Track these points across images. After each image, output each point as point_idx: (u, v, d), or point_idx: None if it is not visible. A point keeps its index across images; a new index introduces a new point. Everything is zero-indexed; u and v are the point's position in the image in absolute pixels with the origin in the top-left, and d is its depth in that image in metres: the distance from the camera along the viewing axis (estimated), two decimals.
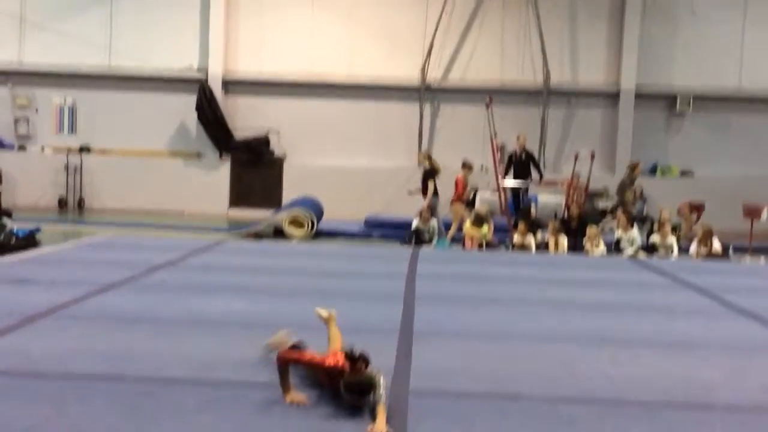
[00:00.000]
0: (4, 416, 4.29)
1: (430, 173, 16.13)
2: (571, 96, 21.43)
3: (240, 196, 21.54)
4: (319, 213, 17.49)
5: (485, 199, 18.15)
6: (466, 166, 16.68)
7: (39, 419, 4.27)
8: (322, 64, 21.38)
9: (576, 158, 18.33)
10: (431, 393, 5.01)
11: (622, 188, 17.30)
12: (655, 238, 14.48)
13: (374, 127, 21.46)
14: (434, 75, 21.47)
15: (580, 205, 16.02)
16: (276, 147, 21.67)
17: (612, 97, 21.43)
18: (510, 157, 18.64)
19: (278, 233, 16.30)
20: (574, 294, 9.14)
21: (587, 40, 21.48)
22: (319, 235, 16.59)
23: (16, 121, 21.67)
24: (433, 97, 21.58)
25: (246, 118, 21.51)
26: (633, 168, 17.67)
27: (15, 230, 12.35)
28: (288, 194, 20.53)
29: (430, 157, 16.52)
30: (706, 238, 14.10)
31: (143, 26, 21.42)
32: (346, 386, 4.58)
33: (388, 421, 4.38)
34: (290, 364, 4.82)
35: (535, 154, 19.29)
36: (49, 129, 21.82)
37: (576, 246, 14.37)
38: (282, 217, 16.78)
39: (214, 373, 5.24)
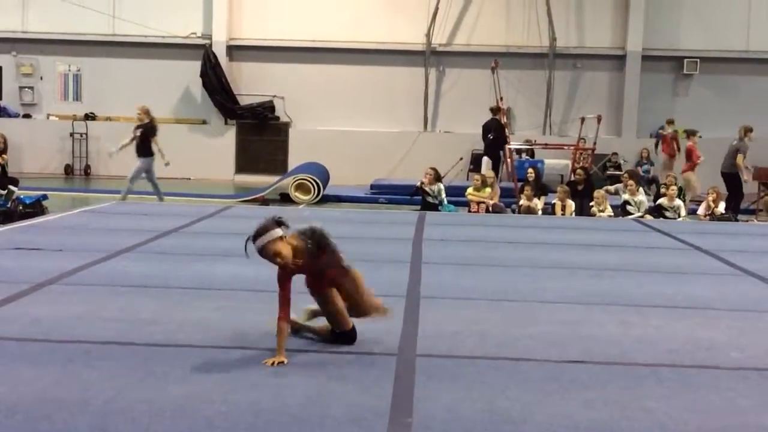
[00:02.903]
0: (15, 380, 4.32)
1: (152, 130, 15.34)
2: (577, 59, 21.28)
3: (246, 162, 21.55)
4: (325, 178, 17.48)
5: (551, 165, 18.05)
6: (696, 134, 16.28)
7: (49, 383, 4.30)
8: (326, 28, 21.25)
9: (582, 121, 18.26)
10: (438, 356, 5.03)
11: (735, 153, 15.72)
12: (662, 200, 14.45)
13: (379, 91, 21.38)
14: (439, 39, 21.33)
15: (586, 168, 15.98)
16: (281, 113, 21.61)
17: (618, 60, 21.30)
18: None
19: (285, 198, 16.30)
20: (581, 256, 9.14)
21: (593, 1, 21.29)
22: (325, 200, 16.59)
23: (21, 89, 21.63)
24: (438, 61, 21.47)
25: (251, 83, 21.45)
26: (746, 132, 16.02)
27: (22, 197, 12.37)
28: (294, 160, 20.54)
29: (148, 112, 15.56)
30: (717, 200, 14.10)
31: None
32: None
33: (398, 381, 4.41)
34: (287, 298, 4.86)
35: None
36: (54, 96, 21.80)
37: (583, 209, 14.35)
38: (288, 183, 16.78)
39: (223, 338, 5.26)
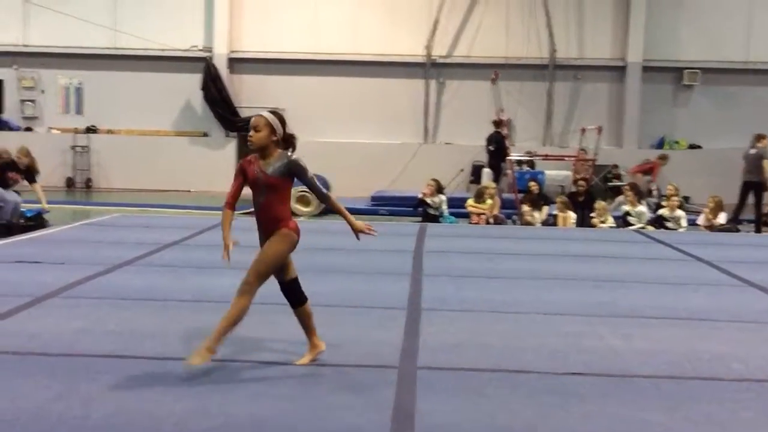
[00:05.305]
0: (15, 394, 4.32)
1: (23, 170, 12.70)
2: (577, 70, 21.31)
3: None
4: (326, 190, 17.48)
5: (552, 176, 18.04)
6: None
7: (49, 397, 4.30)
8: (327, 40, 21.28)
9: (583, 132, 18.26)
10: (439, 368, 5.02)
11: (759, 160, 15.02)
12: (663, 211, 14.45)
13: (380, 103, 21.38)
14: (439, 50, 21.36)
15: (587, 180, 15.96)
16: None
17: (619, 71, 21.31)
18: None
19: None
20: (581, 267, 9.14)
21: (593, 13, 21.33)
22: (326, 212, 16.59)
23: (23, 103, 21.67)
24: (438, 73, 21.49)
25: (252, 96, 21.45)
26: (760, 138, 15.32)
27: (23, 210, 12.38)
28: None
29: (28, 154, 12.91)
30: (716, 210, 14.08)
31: (148, 5, 21.34)
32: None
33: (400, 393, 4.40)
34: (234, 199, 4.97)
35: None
36: (55, 110, 21.82)
37: (584, 221, 14.34)
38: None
39: (222, 351, 5.26)
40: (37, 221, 12.22)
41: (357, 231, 5.06)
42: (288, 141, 4.99)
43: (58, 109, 21.85)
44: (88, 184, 21.26)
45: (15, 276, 7.75)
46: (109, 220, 13.08)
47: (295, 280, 5.06)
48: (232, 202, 4.99)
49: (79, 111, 21.84)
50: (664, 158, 19.66)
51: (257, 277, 4.80)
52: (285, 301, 6.66)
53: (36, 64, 21.60)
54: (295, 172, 4.88)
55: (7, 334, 5.62)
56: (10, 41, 21.38)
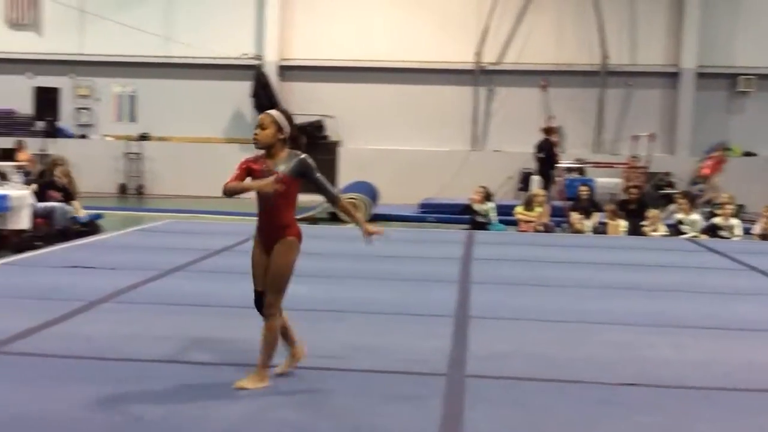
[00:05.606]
0: (67, 398, 4.39)
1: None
2: (629, 76, 21.06)
3: None
4: (374, 197, 17.51)
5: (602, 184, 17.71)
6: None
7: (102, 401, 4.36)
8: (376, 48, 21.33)
9: (634, 140, 18.04)
10: (488, 377, 4.99)
11: None
12: (717, 219, 14.20)
13: (429, 110, 21.36)
14: (489, 57, 21.29)
15: (639, 188, 15.76)
16: (330, 131, 21.73)
17: (672, 77, 21.01)
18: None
19: (333, 217, 16.36)
20: (632, 276, 9.02)
21: (646, 18, 21.06)
22: (374, 219, 16.61)
23: (78, 111, 22.09)
24: (487, 80, 21.41)
25: (301, 103, 21.58)
26: None
27: (77, 217, 12.61)
28: (343, 179, 20.58)
29: (68, 174, 13.15)
30: None
31: (200, 14, 21.63)
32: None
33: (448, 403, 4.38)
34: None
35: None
36: (109, 117, 22.20)
37: (635, 229, 14.14)
38: None
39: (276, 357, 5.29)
40: (91, 227, 12.43)
41: (368, 234, 4.86)
42: (295, 140, 4.81)
43: (112, 116, 22.23)
44: (140, 191, 21.58)
45: (70, 281, 7.89)
46: (160, 227, 13.26)
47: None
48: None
49: (132, 118, 22.20)
50: (726, 149, 18.96)
51: (277, 296, 4.70)
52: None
53: (91, 72, 22.01)
54: (306, 170, 4.68)
55: (62, 337, 5.72)
56: (67, 50, 21.81)
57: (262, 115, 4.73)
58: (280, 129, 4.68)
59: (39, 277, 8.07)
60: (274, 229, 4.72)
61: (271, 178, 4.55)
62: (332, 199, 4.88)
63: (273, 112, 4.75)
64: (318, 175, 4.74)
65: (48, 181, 12.63)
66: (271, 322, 4.70)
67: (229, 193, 4.63)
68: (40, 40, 22.22)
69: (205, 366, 5.07)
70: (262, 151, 4.73)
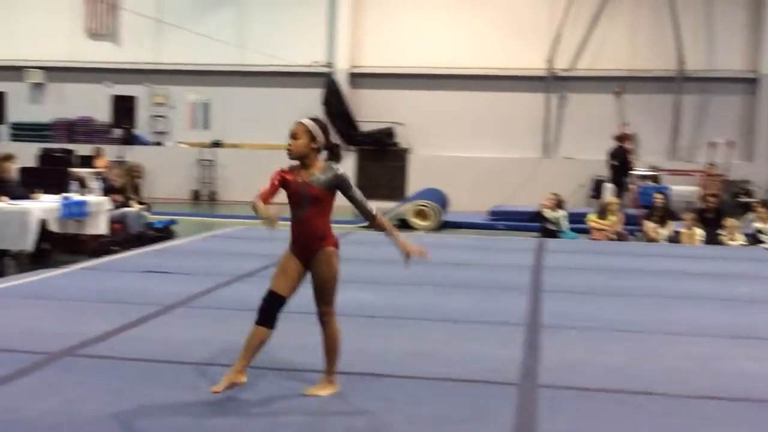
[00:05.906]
0: (146, 399, 4.47)
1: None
2: (706, 82, 20.60)
3: (365, 187, 21.49)
4: (444, 204, 17.46)
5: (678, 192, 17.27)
6: None
7: (177, 404, 4.43)
8: (447, 55, 21.31)
9: (712, 147, 17.63)
10: (560, 387, 4.91)
11: None
12: None
13: (499, 117, 21.25)
14: (561, 63, 21.07)
15: (717, 196, 15.39)
16: (401, 138, 21.76)
17: (750, 83, 20.49)
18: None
19: (403, 224, 16.37)
20: (709, 286, 8.81)
21: (723, 23, 20.59)
22: (444, 226, 16.56)
23: (153, 118, 22.58)
24: (560, 86, 21.19)
25: (372, 110, 21.69)
26: None
27: (152, 222, 12.87)
28: (413, 185, 20.60)
29: (122, 175, 13.02)
30: None
31: (272, 23, 21.92)
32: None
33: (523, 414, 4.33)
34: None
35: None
36: (183, 125, 22.65)
37: (712, 238, 13.80)
38: (407, 209, 16.85)
39: (341, 363, 5.30)
40: (165, 232, 12.67)
41: (408, 254, 4.57)
42: (332, 151, 4.69)
43: (186, 124, 22.66)
44: (212, 197, 21.93)
45: (145, 285, 8.05)
46: (233, 232, 13.44)
47: (283, 300, 4.70)
48: (266, 200, 4.59)
49: (205, 126, 22.60)
50: None
51: (329, 306, 4.65)
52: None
53: (166, 81, 22.48)
54: (342, 184, 4.57)
55: (137, 340, 5.83)
56: (143, 59, 22.33)
57: (295, 125, 4.63)
58: (313, 138, 4.57)
59: (115, 282, 8.25)
60: (312, 240, 4.64)
61: (275, 215, 4.47)
62: (368, 216, 4.69)
63: (306, 120, 4.63)
64: (354, 190, 4.63)
65: (109, 186, 12.68)
66: (330, 328, 4.67)
67: (253, 208, 4.55)
68: (117, 50, 22.82)
69: (277, 371, 5.11)
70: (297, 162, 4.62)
